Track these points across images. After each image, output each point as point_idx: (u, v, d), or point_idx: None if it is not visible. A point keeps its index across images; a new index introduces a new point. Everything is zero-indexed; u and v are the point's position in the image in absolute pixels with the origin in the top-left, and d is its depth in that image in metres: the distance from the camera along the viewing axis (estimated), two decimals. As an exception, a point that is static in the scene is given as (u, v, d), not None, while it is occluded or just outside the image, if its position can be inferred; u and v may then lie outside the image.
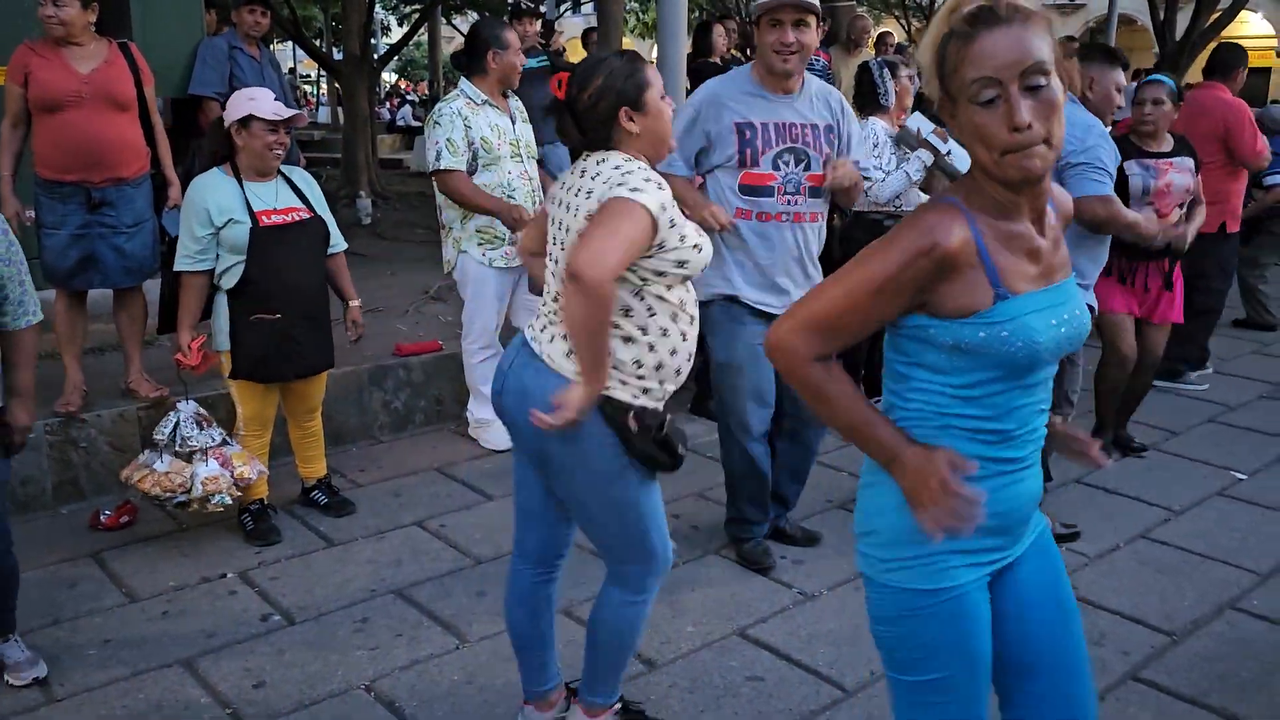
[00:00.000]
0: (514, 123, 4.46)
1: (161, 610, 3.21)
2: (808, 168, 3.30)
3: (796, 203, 3.29)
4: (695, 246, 2.22)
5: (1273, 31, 27.13)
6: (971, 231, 1.49)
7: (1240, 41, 6.48)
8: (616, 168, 2.19)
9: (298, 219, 3.56)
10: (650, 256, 2.16)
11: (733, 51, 8.03)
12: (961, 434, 1.58)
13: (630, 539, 2.33)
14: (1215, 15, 11.73)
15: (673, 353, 2.25)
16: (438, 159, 4.26)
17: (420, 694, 2.79)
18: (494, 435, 4.60)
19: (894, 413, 1.64)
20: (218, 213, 3.43)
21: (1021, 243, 1.54)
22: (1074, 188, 3.49)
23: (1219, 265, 5.58)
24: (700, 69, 7.00)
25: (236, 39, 5.63)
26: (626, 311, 2.20)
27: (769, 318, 3.23)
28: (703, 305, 2.80)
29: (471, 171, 4.30)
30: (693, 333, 2.30)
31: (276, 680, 2.84)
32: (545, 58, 7.03)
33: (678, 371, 2.29)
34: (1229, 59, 5.70)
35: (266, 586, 3.36)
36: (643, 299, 2.20)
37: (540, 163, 4.71)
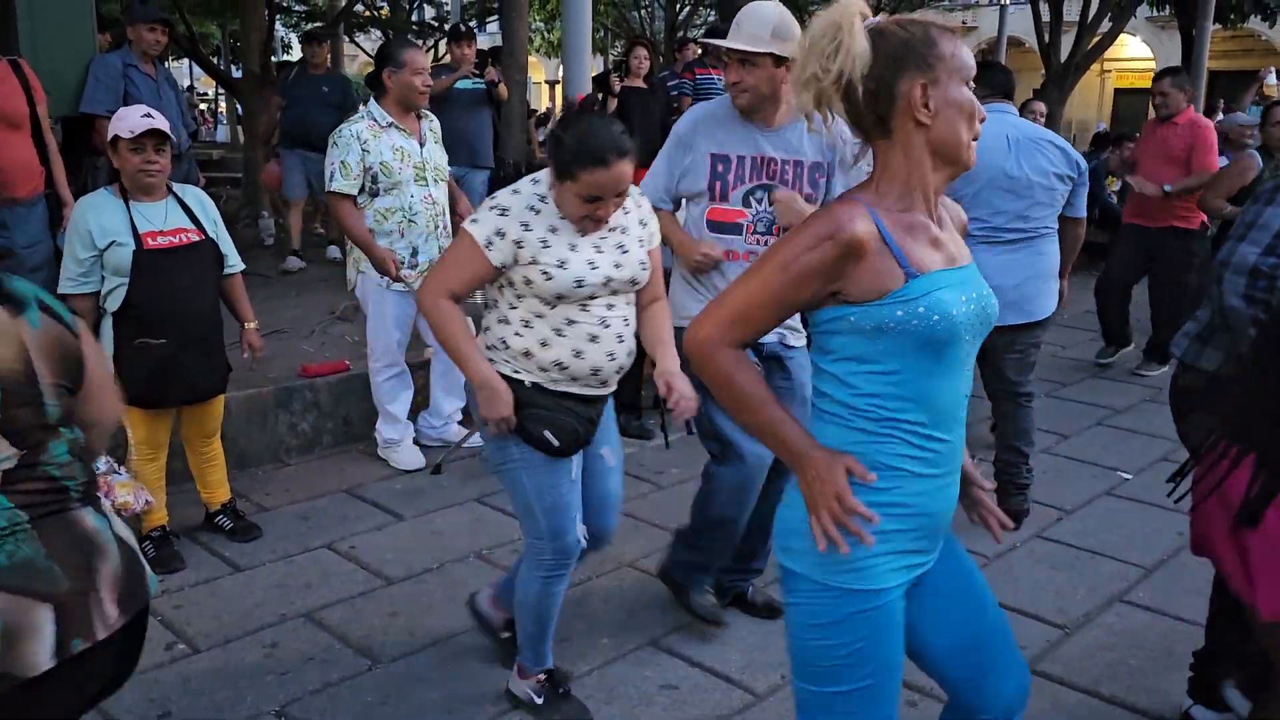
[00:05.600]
0: (422, 145, 4.43)
1: (59, 643, 3.11)
2: None
3: (766, 243, 2.97)
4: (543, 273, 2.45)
5: (1150, 54, 28.54)
6: (874, 221, 1.59)
7: (1119, 64, 6.82)
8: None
9: (186, 241, 3.47)
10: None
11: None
12: (889, 426, 1.61)
13: (521, 514, 2.64)
14: (1096, 39, 12.33)
15: (543, 344, 2.49)
16: (330, 179, 4.25)
17: (332, 717, 2.76)
18: (403, 455, 4.56)
19: (823, 416, 1.67)
20: (100, 234, 3.33)
21: (922, 231, 1.64)
22: None
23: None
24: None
25: (131, 56, 5.50)
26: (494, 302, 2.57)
27: None
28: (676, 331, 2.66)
29: (373, 194, 4.29)
30: (563, 338, 2.50)
31: (183, 709, 2.78)
32: (480, 81, 7.07)
33: (558, 365, 2.50)
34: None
35: (170, 615, 3.28)
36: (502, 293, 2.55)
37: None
